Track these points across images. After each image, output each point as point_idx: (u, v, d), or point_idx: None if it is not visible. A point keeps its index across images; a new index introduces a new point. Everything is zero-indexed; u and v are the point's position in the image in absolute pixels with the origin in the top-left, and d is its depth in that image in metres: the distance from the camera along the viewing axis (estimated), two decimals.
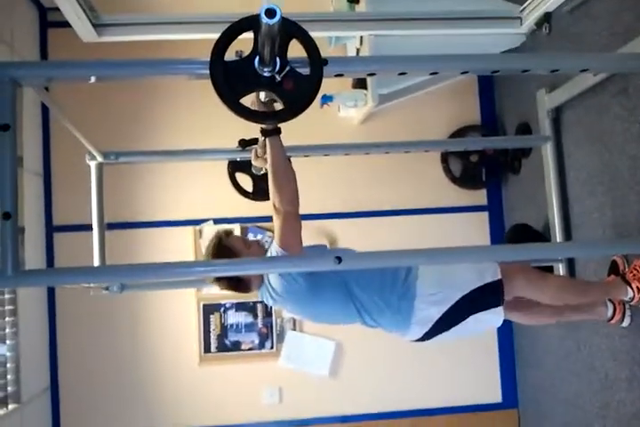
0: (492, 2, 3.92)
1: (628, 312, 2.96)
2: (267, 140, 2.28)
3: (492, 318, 2.56)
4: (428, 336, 2.63)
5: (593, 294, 2.87)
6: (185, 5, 4.36)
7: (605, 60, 2.09)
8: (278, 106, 1.87)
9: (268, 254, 2.41)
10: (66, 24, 3.36)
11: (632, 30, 2.80)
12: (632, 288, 2.72)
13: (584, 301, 2.94)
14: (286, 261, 2.01)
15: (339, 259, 1.92)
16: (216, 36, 3.20)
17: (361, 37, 3.86)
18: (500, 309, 2.54)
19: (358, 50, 3.96)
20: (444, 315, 2.53)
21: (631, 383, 3.00)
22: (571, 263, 3.52)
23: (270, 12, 1.53)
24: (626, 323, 2.97)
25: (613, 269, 2.99)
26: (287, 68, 1.78)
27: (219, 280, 2.55)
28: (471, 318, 2.54)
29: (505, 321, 4.19)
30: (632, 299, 2.75)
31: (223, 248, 2.53)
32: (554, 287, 2.74)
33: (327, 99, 4.01)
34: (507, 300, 2.59)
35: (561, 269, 3.50)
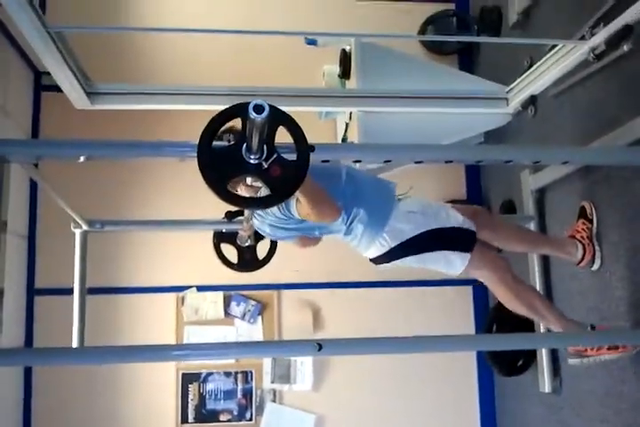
0: (479, 82, 4.02)
1: (597, 254, 3.01)
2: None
3: (457, 261, 2.56)
4: (392, 255, 2.58)
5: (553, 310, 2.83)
6: (180, 77, 4.47)
7: (585, 154, 2.14)
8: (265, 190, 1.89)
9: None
10: (60, 88, 3.40)
11: (615, 119, 2.87)
12: (583, 245, 2.88)
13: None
14: (268, 348, 1.97)
15: (319, 345, 1.90)
16: (208, 107, 3.26)
17: (350, 112, 3.93)
18: (467, 255, 2.55)
19: (347, 124, 4.02)
20: (415, 237, 2.52)
21: None
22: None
23: (258, 108, 1.56)
24: (596, 266, 3.02)
25: (581, 214, 3.07)
26: (274, 156, 1.81)
27: None
28: (439, 252, 2.55)
29: (488, 396, 4.11)
30: (582, 257, 2.87)
31: None
32: (525, 294, 2.75)
33: None
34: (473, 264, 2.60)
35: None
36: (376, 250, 2.60)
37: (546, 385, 3.50)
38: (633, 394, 2.77)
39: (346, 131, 4.04)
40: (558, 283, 3.45)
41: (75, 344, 2.94)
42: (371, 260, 2.69)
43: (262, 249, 3.35)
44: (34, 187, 4.24)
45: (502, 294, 2.74)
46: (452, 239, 2.56)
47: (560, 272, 3.45)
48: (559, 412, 3.49)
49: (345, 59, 3.98)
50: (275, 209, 2.45)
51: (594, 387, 3.10)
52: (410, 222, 2.53)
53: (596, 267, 3.01)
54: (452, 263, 2.58)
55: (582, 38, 3.06)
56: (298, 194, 2.24)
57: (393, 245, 2.55)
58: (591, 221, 3.04)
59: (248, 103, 1.61)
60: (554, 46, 3.34)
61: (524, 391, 3.94)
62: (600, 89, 3.05)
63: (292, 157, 1.84)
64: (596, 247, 3.00)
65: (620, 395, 2.88)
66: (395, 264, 2.63)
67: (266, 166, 1.81)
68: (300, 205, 2.35)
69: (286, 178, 1.83)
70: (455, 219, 2.60)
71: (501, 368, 3.93)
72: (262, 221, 2.60)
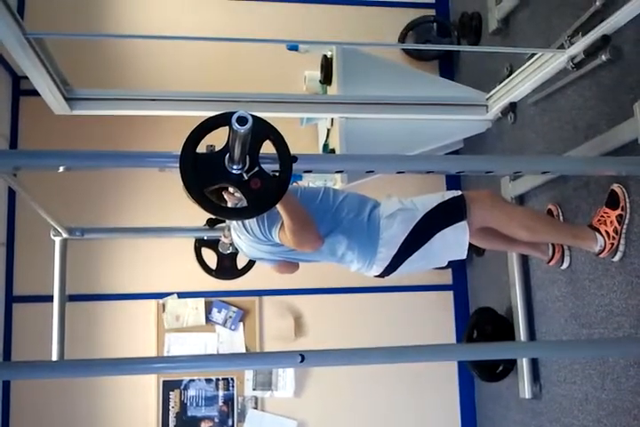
0: (459, 88, 4.04)
1: (567, 252, 3.05)
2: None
3: (458, 234, 2.48)
4: (395, 263, 2.51)
5: (562, 231, 2.79)
6: (161, 82, 4.45)
7: (565, 164, 2.15)
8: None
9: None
10: (38, 93, 3.34)
11: (593, 127, 2.90)
12: (601, 234, 2.63)
13: (552, 237, 2.84)
14: (250, 359, 1.97)
15: (302, 356, 1.90)
16: (189, 113, 3.24)
17: (332, 118, 3.93)
18: (463, 224, 2.48)
19: (329, 130, 4.02)
20: (409, 234, 2.46)
21: None
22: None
23: (241, 120, 1.55)
24: (565, 264, 3.07)
25: (612, 200, 2.69)
26: (256, 169, 1.80)
27: None
28: (437, 236, 2.47)
29: (469, 401, 4.11)
30: (603, 248, 2.64)
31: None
32: (522, 214, 2.73)
33: (296, 177, 4.04)
34: (475, 227, 2.55)
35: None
36: (379, 266, 2.54)
37: (526, 391, 3.51)
38: (611, 401, 2.80)
39: (327, 137, 4.04)
40: (538, 287, 3.47)
41: (54, 355, 2.91)
42: (376, 276, 2.62)
43: (243, 258, 3.34)
44: (12, 194, 4.21)
45: (518, 224, 2.64)
46: (442, 216, 2.50)
47: (539, 278, 3.47)
48: (539, 417, 3.51)
49: (326, 64, 3.99)
50: (256, 229, 2.43)
51: (573, 393, 3.12)
52: (397, 224, 2.48)
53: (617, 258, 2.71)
54: (455, 240, 2.50)
55: (561, 47, 3.09)
56: (281, 212, 2.24)
57: (393, 253, 2.49)
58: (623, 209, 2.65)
59: (232, 114, 1.61)
60: (533, 54, 3.37)
61: (505, 397, 3.96)
62: (579, 97, 3.08)
63: (275, 166, 1.84)
64: (622, 241, 2.66)
65: (599, 402, 2.90)
66: (401, 271, 2.57)
67: (246, 178, 1.81)
68: (282, 231, 2.34)
69: (265, 192, 1.82)
70: (433, 198, 2.56)
71: (482, 373, 3.95)
72: (240, 238, 2.57)
